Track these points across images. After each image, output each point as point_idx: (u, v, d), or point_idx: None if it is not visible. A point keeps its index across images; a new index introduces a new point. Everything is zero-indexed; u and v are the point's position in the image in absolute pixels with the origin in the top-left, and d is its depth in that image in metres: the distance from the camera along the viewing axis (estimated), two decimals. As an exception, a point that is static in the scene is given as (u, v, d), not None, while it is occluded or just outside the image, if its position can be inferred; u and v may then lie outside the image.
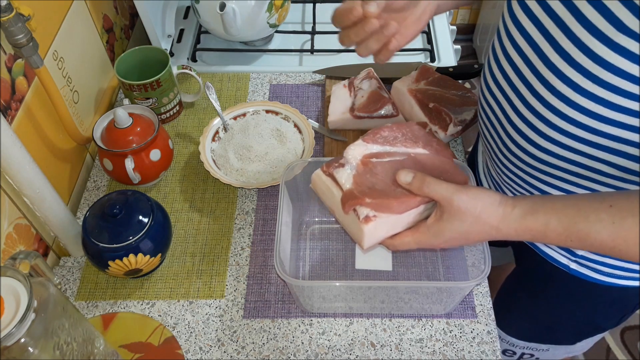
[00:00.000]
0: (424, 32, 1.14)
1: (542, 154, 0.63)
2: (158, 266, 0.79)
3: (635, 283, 0.74)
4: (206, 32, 1.13)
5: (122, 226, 0.71)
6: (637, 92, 0.51)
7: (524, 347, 0.99)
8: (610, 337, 1.62)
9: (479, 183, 0.90)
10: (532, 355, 1.02)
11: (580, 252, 0.74)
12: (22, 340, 0.48)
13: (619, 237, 0.51)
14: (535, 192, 0.71)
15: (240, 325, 0.74)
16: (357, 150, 0.63)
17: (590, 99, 0.54)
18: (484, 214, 0.56)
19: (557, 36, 0.55)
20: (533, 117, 0.61)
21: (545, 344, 0.97)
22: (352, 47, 0.66)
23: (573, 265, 0.76)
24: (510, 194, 0.77)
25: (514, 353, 1.02)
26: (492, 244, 0.67)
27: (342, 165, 0.63)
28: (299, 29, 1.16)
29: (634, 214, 0.50)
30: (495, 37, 0.67)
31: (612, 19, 0.49)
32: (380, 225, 0.60)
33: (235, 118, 0.93)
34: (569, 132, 0.58)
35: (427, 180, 0.58)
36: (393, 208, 0.59)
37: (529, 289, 0.89)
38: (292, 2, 1.15)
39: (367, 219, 0.59)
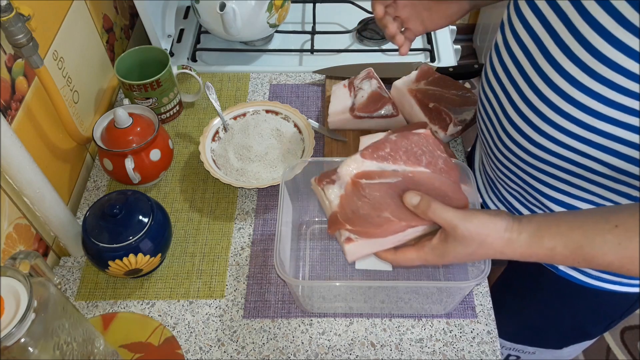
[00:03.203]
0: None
1: (536, 149, 0.63)
2: (158, 266, 0.79)
3: (623, 289, 0.74)
4: (206, 32, 1.13)
5: (122, 226, 0.71)
6: (633, 89, 0.51)
7: (510, 348, 0.99)
8: (610, 337, 1.62)
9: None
10: (518, 358, 1.02)
11: None
12: (22, 340, 0.48)
13: (626, 257, 0.51)
14: (529, 190, 0.71)
15: (240, 325, 0.74)
16: (351, 167, 0.62)
17: (586, 93, 0.54)
18: (489, 239, 0.56)
19: (559, 28, 0.55)
20: (529, 111, 0.62)
21: (531, 346, 0.97)
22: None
23: (561, 267, 0.76)
24: (504, 191, 0.77)
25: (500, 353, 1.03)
26: None
27: (333, 182, 0.62)
28: (299, 29, 1.16)
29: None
30: (499, 31, 0.67)
31: (613, 13, 0.49)
32: (362, 246, 0.60)
33: (235, 118, 0.93)
34: (563, 128, 0.58)
35: (432, 205, 0.57)
36: (374, 235, 0.60)
37: (518, 289, 0.90)
38: (292, 2, 1.15)
39: (348, 239, 0.60)
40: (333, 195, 0.62)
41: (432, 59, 1.09)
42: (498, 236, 0.55)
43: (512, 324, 0.94)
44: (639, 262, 0.50)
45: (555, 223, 0.54)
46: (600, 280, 0.74)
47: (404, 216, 0.59)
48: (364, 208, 0.60)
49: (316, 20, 1.15)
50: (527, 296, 0.88)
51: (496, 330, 0.73)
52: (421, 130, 0.65)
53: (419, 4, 0.76)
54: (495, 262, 1.00)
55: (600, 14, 0.50)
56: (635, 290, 0.74)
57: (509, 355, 1.02)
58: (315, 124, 0.95)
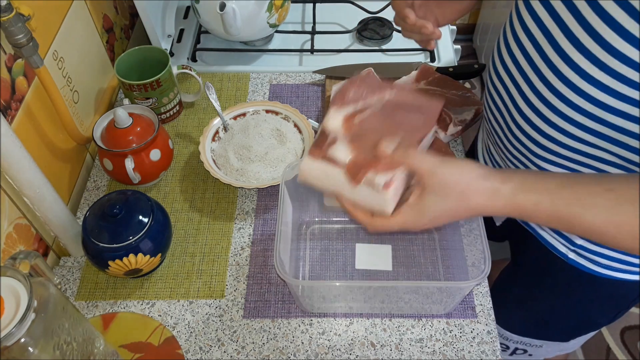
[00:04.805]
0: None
1: (546, 140, 0.63)
2: (158, 266, 0.79)
3: (633, 277, 0.74)
4: (206, 32, 1.13)
5: (122, 226, 0.71)
6: None
7: (517, 342, 0.99)
8: (610, 337, 1.62)
9: None
10: (525, 351, 1.02)
11: (579, 242, 0.74)
12: (22, 340, 0.48)
13: (613, 223, 0.50)
14: None
15: (240, 325, 0.74)
16: (336, 120, 0.59)
17: (595, 86, 0.55)
18: (469, 190, 0.53)
19: (568, 20, 0.56)
20: (539, 103, 0.62)
21: (539, 339, 0.97)
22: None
23: (571, 255, 0.76)
24: None
25: (507, 347, 1.02)
26: (489, 238, 0.68)
27: (333, 142, 0.58)
28: (299, 29, 1.16)
29: (632, 201, 0.49)
30: (507, 22, 0.67)
31: (623, 5, 0.49)
32: (398, 187, 0.57)
33: (235, 118, 0.93)
34: (573, 119, 0.59)
35: (410, 151, 0.55)
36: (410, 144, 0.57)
37: (526, 281, 0.89)
38: (292, 2, 1.15)
39: (386, 185, 0.56)
40: (341, 151, 0.58)
41: (432, 59, 1.09)
42: (479, 185, 0.53)
43: (519, 316, 0.94)
44: (626, 230, 0.49)
45: (543, 179, 0.53)
46: (610, 269, 0.74)
47: (415, 126, 0.58)
48: (376, 134, 0.57)
49: (316, 20, 1.15)
50: (535, 287, 0.88)
51: (496, 330, 0.73)
52: (365, 72, 0.65)
53: (431, 2, 0.78)
54: (498, 256, 1.01)
55: (611, 6, 0.50)
56: None
57: (516, 349, 1.02)
58: (315, 124, 0.95)
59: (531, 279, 0.88)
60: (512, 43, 0.65)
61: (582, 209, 0.51)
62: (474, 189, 0.53)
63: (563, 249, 0.76)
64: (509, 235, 0.94)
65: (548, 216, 0.53)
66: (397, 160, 0.56)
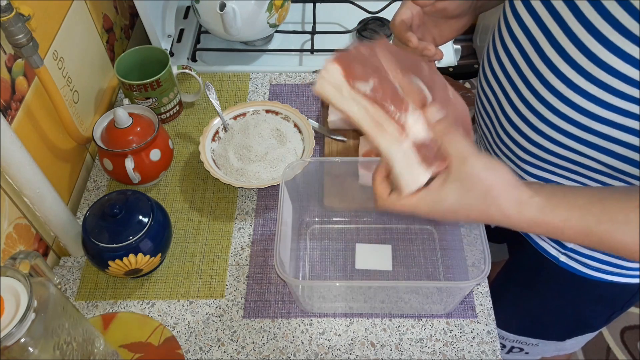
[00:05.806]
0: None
1: (533, 147, 0.64)
2: (158, 266, 0.79)
3: (623, 279, 0.74)
4: (206, 32, 1.13)
5: (122, 226, 0.71)
6: (632, 94, 0.51)
7: (513, 341, 1.00)
8: (610, 337, 1.62)
9: None
10: (521, 350, 1.02)
11: (569, 245, 0.74)
12: (22, 340, 0.48)
13: None
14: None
15: (240, 325, 0.74)
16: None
17: (582, 95, 0.54)
18: (495, 191, 0.49)
19: (555, 31, 0.56)
20: (526, 110, 0.62)
21: (534, 338, 0.97)
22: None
23: (562, 258, 0.76)
24: None
25: (504, 346, 1.03)
26: (488, 239, 0.68)
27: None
28: (299, 29, 1.16)
29: None
30: (496, 29, 0.68)
31: (609, 18, 0.49)
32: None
33: (235, 118, 0.93)
34: (561, 128, 0.59)
35: (451, 131, 0.51)
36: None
37: (520, 281, 0.90)
38: (292, 2, 1.15)
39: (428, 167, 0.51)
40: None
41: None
42: (506, 191, 0.49)
43: (514, 316, 0.94)
44: None
45: (572, 193, 0.50)
46: (600, 271, 0.74)
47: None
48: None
49: (316, 20, 1.15)
50: (528, 288, 0.88)
51: (496, 330, 0.73)
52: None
53: (428, 22, 0.76)
54: (497, 258, 1.01)
55: (594, 16, 0.50)
56: (636, 281, 0.74)
57: (513, 347, 1.02)
58: (315, 124, 0.95)
59: (525, 279, 0.88)
60: (500, 49, 0.65)
61: (614, 226, 0.48)
62: (498, 193, 0.49)
63: (554, 252, 0.76)
64: (504, 236, 0.95)
65: (577, 233, 0.50)
66: (437, 131, 0.51)
